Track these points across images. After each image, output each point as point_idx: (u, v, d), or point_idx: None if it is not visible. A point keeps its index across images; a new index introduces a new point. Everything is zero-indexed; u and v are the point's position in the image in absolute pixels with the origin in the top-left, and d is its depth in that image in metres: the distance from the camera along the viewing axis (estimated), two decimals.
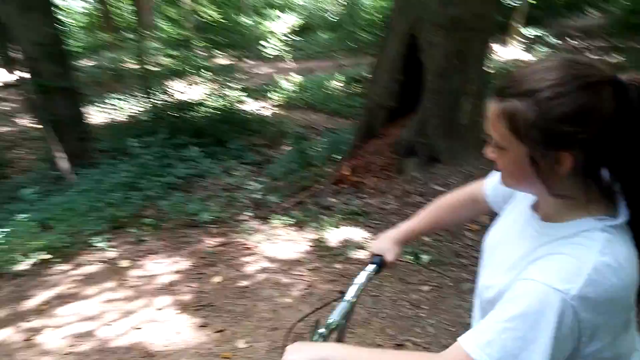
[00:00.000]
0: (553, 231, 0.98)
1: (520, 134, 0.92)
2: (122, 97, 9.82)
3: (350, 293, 1.43)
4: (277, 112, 10.09)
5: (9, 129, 11.14)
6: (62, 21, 8.41)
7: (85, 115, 7.80)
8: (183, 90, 9.28)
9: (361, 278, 1.50)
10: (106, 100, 9.87)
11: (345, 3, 16.56)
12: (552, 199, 0.99)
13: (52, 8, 7.43)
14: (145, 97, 9.04)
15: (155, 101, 8.75)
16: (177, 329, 3.45)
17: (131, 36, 9.78)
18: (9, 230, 5.03)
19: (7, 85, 12.04)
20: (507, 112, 0.92)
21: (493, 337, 0.86)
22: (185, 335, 3.39)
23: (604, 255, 0.88)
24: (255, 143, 7.85)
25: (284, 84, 11.25)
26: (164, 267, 4.35)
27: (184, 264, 4.37)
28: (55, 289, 4.14)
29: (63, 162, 7.02)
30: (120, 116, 9.71)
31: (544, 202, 1.04)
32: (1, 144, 10.61)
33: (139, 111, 9.38)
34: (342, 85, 11.22)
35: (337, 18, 16.97)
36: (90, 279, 4.22)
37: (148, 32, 10.64)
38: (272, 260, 4.36)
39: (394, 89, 5.69)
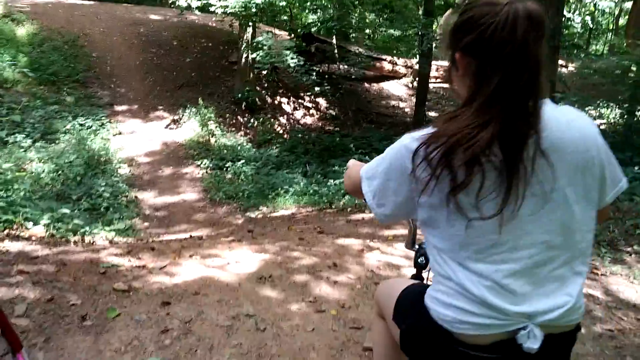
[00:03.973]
0: None
1: (448, 43, 1.21)
2: (603, 104, 9.26)
3: None
4: None
5: None
6: (564, 15, 8.49)
7: None
8: None
9: None
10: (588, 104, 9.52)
11: None
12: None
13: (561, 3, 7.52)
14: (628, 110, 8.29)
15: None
16: None
17: None
18: None
19: None
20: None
21: (372, 161, 1.31)
22: None
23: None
24: None
25: None
26: None
27: None
28: None
29: None
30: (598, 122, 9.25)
31: None
32: None
33: (612, 122, 8.71)
34: None
35: None
36: None
37: None
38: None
39: None
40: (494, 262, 1.13)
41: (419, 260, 1.74)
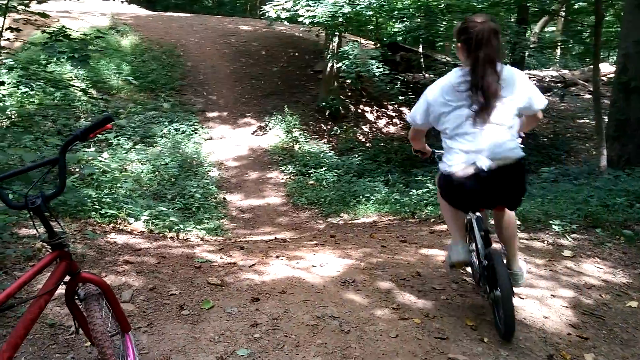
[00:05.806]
0: None
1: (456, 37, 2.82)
2: None
3: None
4: None
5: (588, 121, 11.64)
6: None
7: None
8: None
9: None
10: None
11: None
12: None
13: None
14: None
15: None
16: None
17: None
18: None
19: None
20: None
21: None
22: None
23: (454, 72, 2.79)
24: None
25: None
26: (596, 271, 4.08)
27: (620, 278, 3.96)
28: None
29: (602, 159, 7.08)
30: None
31: None
32: (572, 135, 11.31)
33: None
34: None
35: None
36: (526, 249, 4.50)
37: None
38: None
39: None
40: (464, 133, 2.71)
41: (436, 158, 3.22)
